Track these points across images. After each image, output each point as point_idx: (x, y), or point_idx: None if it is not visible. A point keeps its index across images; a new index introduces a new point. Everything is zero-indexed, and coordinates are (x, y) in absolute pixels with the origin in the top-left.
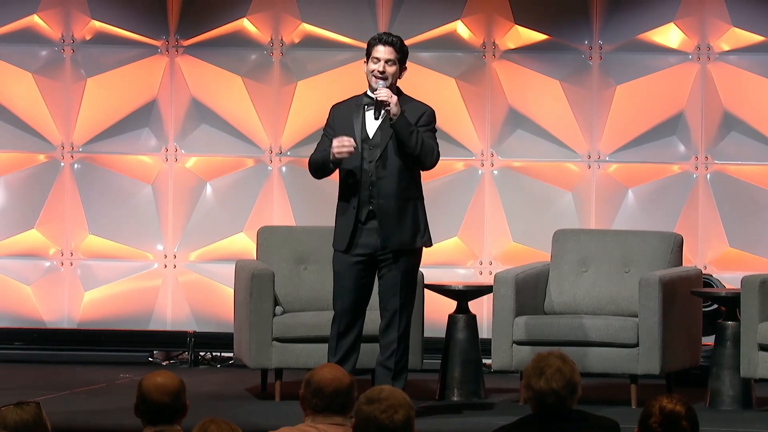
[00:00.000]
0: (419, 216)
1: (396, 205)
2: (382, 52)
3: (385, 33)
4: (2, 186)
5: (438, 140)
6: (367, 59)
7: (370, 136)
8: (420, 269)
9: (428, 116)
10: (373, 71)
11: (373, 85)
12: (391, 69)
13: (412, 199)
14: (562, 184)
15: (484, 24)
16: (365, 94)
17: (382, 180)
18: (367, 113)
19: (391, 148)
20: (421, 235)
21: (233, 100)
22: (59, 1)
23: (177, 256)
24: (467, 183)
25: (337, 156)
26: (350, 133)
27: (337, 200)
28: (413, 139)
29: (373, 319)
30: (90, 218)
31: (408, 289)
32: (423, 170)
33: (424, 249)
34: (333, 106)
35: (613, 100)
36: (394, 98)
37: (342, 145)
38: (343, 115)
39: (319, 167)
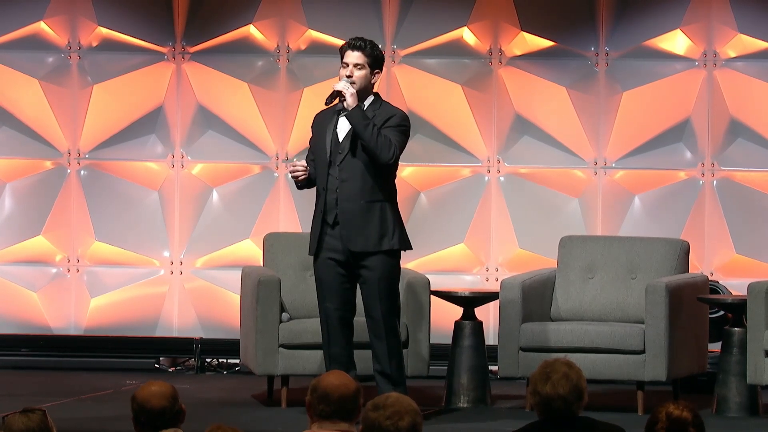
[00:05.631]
0: (387, 218)
1: (360, 208)
2: (350, 56)
3: (355, 38)
4: (9, 192)
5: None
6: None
7: (340, 141)
8: (426, 275)
9: (399, 117)
10: (341, 76)
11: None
12: (360, 73)
13: (378, 201)
14: (569, 190)
15: (491, 30)
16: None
17: (346, 183)
18: (339, 119)
19: (356, 150)
20: (390, 238)
21: (240, 106)
22: (66, 8)
23: (183, 263)
24: (474, 189)
25: (293, 178)
26: (325, 139)
27: None
28: (368, 130)
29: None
30: (96, 225)
31: (388, 293)
32: (380, 166)
33: (408, 253)
34: (316, 113)
35: (620, 107)
36: (351, 90)
37: (295, 169)
38: (321, 122)
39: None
